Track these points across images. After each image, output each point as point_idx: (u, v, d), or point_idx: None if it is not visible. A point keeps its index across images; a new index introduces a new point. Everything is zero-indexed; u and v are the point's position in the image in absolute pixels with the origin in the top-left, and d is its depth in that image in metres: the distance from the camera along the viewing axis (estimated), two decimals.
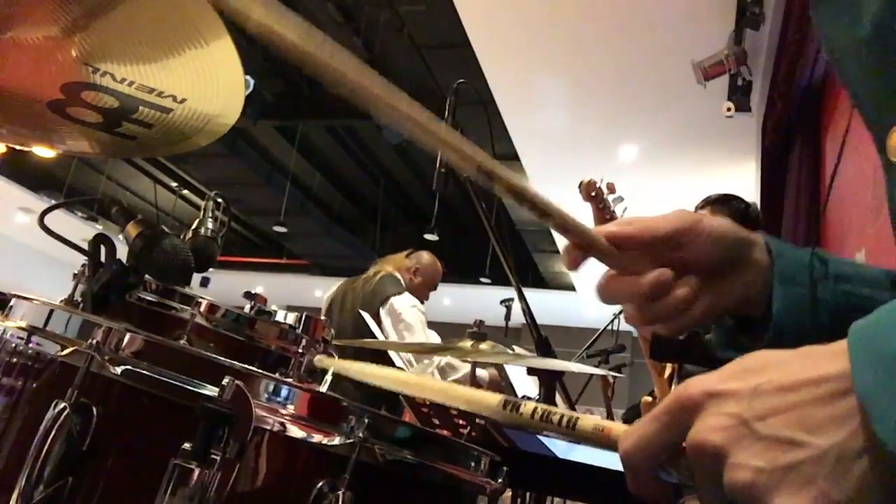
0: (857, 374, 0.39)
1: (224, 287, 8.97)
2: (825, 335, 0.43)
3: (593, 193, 2.48)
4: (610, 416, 3.92)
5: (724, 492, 0.42)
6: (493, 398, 0.56)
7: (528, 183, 0.61)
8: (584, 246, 0.64)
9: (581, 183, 2.49)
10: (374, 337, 3.29)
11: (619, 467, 0.49)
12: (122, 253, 1.12)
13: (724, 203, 2.64)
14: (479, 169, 0.58)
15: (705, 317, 0.67)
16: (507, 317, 4.63)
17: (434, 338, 3.40)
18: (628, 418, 4.71)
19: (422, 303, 3.69)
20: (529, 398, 2.53)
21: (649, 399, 3.01)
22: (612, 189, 2.53)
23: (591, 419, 0.55)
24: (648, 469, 0.48)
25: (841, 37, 0.59)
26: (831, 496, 0.38)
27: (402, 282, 3.59)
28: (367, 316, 3.38)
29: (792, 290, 0.66)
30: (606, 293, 0.65)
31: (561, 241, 0.65)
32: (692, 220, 0.65)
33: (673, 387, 2.68)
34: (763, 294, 0.67)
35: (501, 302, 4.79)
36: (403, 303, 3.43)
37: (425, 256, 3.77)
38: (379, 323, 3.36)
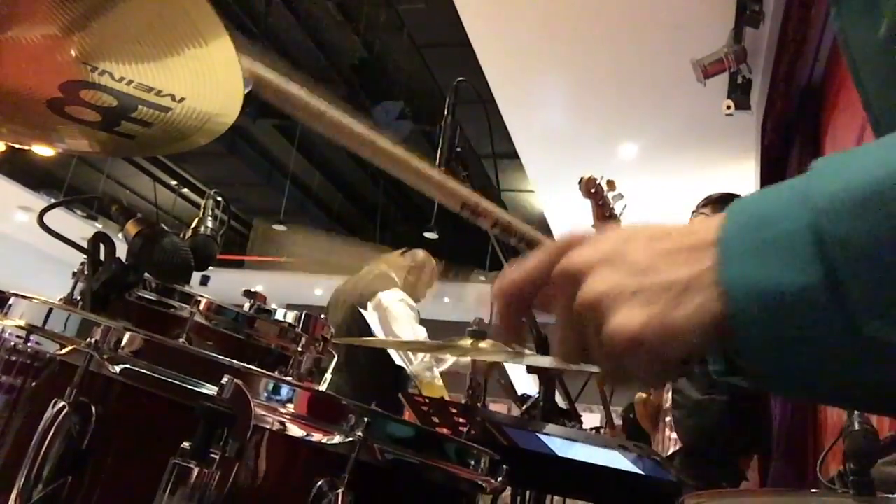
0: (726, 229, 0.42)
1: (224, 286, 8.97)
2: None
3: (593, 190, 2.49)
4: (609, 416, 3.92)
5: (576, 318, 0.45)
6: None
7: (513, 218, 0.61)
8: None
9: (581, 179, 2.50)
10: (367, 335, 3.30)
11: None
12: (122, 251, 1.12)
13: (726, 202, 2.63)
14: (463, 205, 0.59)
15: None
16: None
17: (422, 334, 3.40)
18: (626, 417, 4.71)
19: (418, 301, 3.69)
20: (529, 395, 2.53)
21: (644, 396, 3.01)
22: (612, 186, 2.54)
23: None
24: (520, 302, 0.50)
25: (858, 36, 0.59)
26: (665, 319, 0.41)
27: (397, 280, 3.59)
28: (367, 314, 3.38)
29: None
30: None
31: None
32: (566, 240, 0.65)
33: (668, 386, 2.69)
34: None
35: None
36: (391, 297, 3.43)
37: (420, 254, 3.77)
38: (367, 319, 3.37)
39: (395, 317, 3.37)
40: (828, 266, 0.37)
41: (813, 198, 0.39)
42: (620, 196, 2.56)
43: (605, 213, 2.52)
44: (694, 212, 2.69)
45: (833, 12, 0.61)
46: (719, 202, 2.64)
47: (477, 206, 0.58)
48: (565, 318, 0.46)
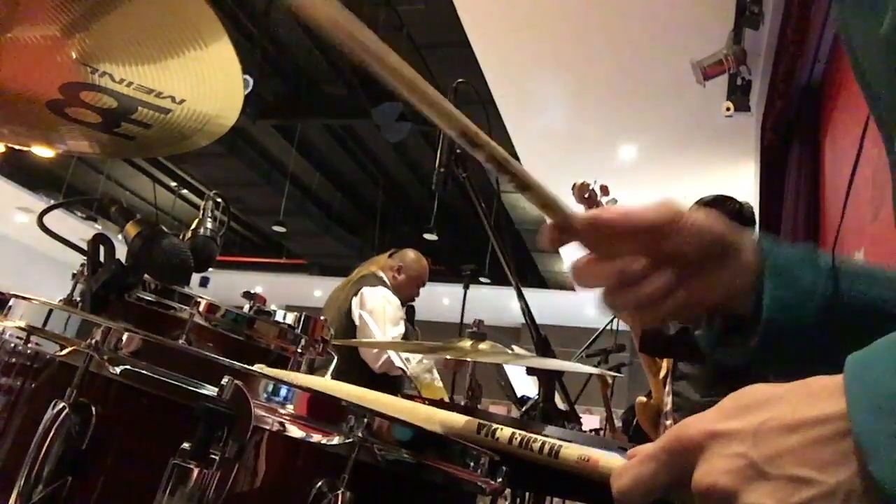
0: (854, 416, 0.39)
1: (223, 287, 8.97)
2: (836, 331, 0.43)
3: (586, 195, 2.48)
4: (609, 416, 3.92)
5: None
6: (469, 423, 0.55)
7: (508, 156, 0.61)
8: (564, 227, 0.64)
9: (574, 185, 2.49)
10: (355, 336, 3.30)
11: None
12: (122, 253, 1.12)
13: (718, 205, 2.64)
14: (462, 134, 0.58)
15: (681, 310, 0.67)
16: (466, 286, 4.57)
17: (400, 331, 3.41)
18: (627, 419, 4.71)
19: (412, 300, 3.70)
20: (528, 397, 2.53)
21: (644, 399, 3.01)
22: (605, 191, 2.53)
23: (575, 449, 0.54)
24: None
25: (862, 32, 0.58)
26: None
27: (386, 280, 3.60)
28: (365, 314, 3.39)
29: (785, 286, 0.65)
30: (580, 275, 0.65)
31: None
32: (673, 213, 0.64)
33: (666, 387, 2.68)
34: (749, 292, 0.67)
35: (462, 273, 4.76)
36: (374, 293, 3.44)
37: (409, 254, 3.78)
38: (352, 316, 3.38)
39: (372, 310, 3.39)
40: None
41: None
42: (614, 201, 2.55)
43: None
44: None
45: (835, 9, 0.61)
46: (711, 205, 2.64)
47: (476, 137, 0.58)
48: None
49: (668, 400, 2.70)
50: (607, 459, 0.50)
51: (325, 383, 0.70)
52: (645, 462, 0.47)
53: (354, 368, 3.24)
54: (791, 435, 0.41)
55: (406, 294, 3.64)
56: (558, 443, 0.52)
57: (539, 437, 0.53)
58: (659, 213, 0.64)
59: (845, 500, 0.39)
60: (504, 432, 0.54)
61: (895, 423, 0.38)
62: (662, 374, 2.72)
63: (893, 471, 0.37)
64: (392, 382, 3.44)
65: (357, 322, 3.38)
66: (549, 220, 0.65)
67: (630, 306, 0.66)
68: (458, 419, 0.56)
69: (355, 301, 3.42)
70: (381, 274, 3.62)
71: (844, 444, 0.39)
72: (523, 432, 0.54)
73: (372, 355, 3.31)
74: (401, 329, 3.43)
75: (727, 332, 0.72)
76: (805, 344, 0.64)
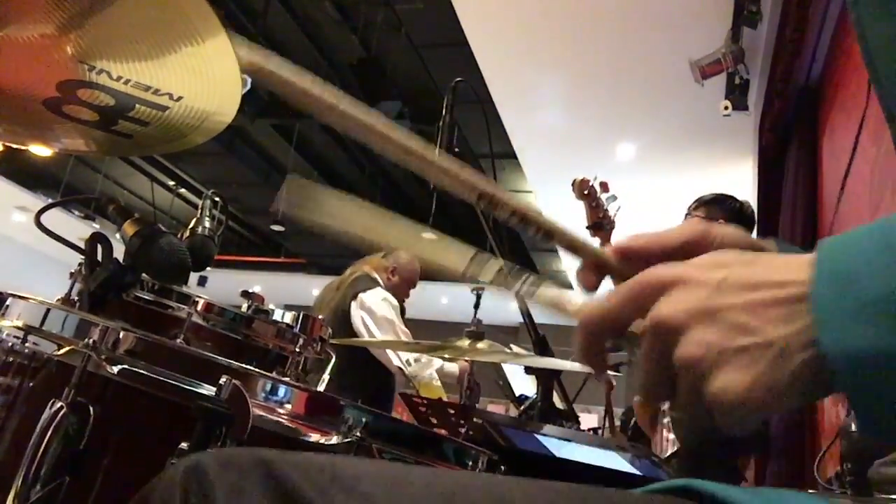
0: (816, 285, 0.43)
1: (221, 286, 8.96)
2: None
3: (586, 192, 2.49)
4: (610, 417, 3.92)
5: (667, 368, 0.46)
6: (462, 257, 0.57)
7: (529, 208, 0.61)
8: (595, 265, 0.64)
9: (574, 181, 2.50)
10: (351, 335, 3.30)
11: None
12: (119, 252, 1.11)
13: (719, 203, 2.64)
14: (480, 196, 0.58)
15: None
16: (476, 305, 4.60)
17: (405, 336, 3.42)
18: (625, 419, 4.71)
19: (402, 301, 3.71)
20: (527, 396, 2.53)
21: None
22: (605, 188, 2.54)
23: (552, 290, 0.56)
24: (602, 338, 0.52)
25: (878, 31, 0.59)
26: (769, 379, 0.43)
27: (380, 281, 3.60)
28: (353, 315, 3.39)
29: None
30: None
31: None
32: (702, 230, 0.64)
33: None
34: None
35: (472, 290, 4.77)
36: (373, 296, 3.44)
37: (402, 255, 3.76)
38: (352, 320, 3.39)
39: (379, 317, 3.39)
40: None
41: None
42: (614, 198, 2.56)
43: (598, 215, 2.53)
44: (687, 214, 2.69)
45: (850, 6, 0.61)
46: (712, 204, 2.64)
47: (493, 197, 0.58)
48: (654, 365, 0.47)
49: None
50: (579, 298, 0.53)
51: None
52: (611, 295, 0.51)
53: (350, 368, 3.24)
54: (751, 291, 0.45)
55: (399, 295, 3.65)
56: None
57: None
58: (688, 233, 0.64)
59: (780, 353, 0.42)
60: (493, 264, 0.56)
61: (850, 297, 0.41)
62: None
63: (839, 341, 0.40)
64: (387, 382, 3.45)
65: (361, 328, 3.37)
66: (579, 264, 0.65)
67: None
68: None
69: (355, 306, 3.42)
70: (375, 275, 3.62)
71: (796, 307, 0.43)
72: (511, 265, 0.56)
73: (387, 356, 3.33)
74: (406, 331, 3.44)
75: None
76: None
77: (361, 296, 3.43)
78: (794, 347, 0.42)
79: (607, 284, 0.66)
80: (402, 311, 3.73)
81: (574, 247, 0.63)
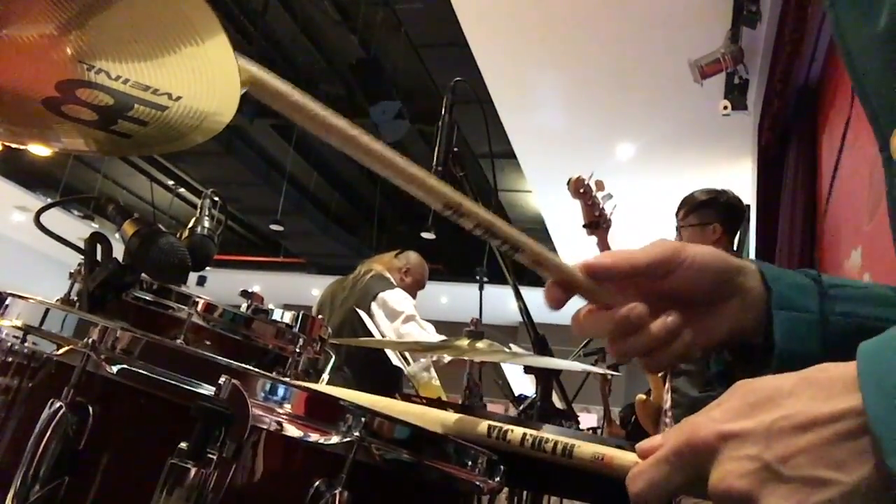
0: (870, 410, 0.39)
1: (221, 286, 8.97)
2: (836, 358, 0.43)
3: (581, 190, 2.49)
4: (607, 412, 3.92)
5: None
6: (480, 425, 0.55)
7: (497, 219, 0.61)
8: (563, 283, 0.63)
9: (569, 180, 2.50)
10: (367, 335, 3.31)
11: None
12: (119, 252, 1.12)
13: (709, 206, 2.63)
14: (446, 205, 0.58)
15: (689, 351, 0.65)
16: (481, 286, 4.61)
17: (431, 329, 3.43)
18: (625, 416, 4.71)
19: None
20: (526, 395, 2.53)
21: (643, 397, 3.01)
22: (600, 186, 2.54)
23: (589, 446, 0.54)
24: None
25: (856, 32, 0.58)
26: None
27: (393, 281, 3.63)
28: (364, 315, 3.39)
29: (792, 314, 0.64)
30: (579, 327, 0.64)
31: (558, 241, 0.64)
32: (673, 249, 0.63)
33: (666, 384, 2.69)
34: (760, 322, 0.65)
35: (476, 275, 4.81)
36: (396, 295, 3.46)
37: (413, 256, 3.83)
38: (371, 318, 3.39)
39: (406, 315, 3.41)
40: None
41: None
42: (610, 196, 2.56)
43: (594, 213, 2.53)
44: (677, 214, 2.69)
45: (828, 9, 0.61)
46: (702, 207, 2.64)
47: (460, 206, 0.57)
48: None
49: (668, 397, 2.70)
50: (621, 456, 0.51)
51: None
52: (658, 465, 0.47)
53: (354, 365, 3.25)
54: (805, 434, 0.41)
55: (410, 295, 3.68)
56: (571, 441, 0.52)
57: (551, 437, 0.53)
58: (657, 253, 0.63)
59: (864, 498, 0.39)
60: (515, 434, 0.54)
61: None
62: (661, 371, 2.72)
63: None
64: (392, 380, 3.45)
65: (385, 328, 3.38)
66: (547, 279, 0.64)
67: (638, 352, 0.64)
68: (468, 421, 0.56)
69: (376, 305, 3.43)
70: (388, 275, 3.65)
71: (861, 441, 0.39)
72: (534, 432, 0.53)
73: (403, 358, 3.35)
74: (431, 326, 3.47)
75: (737, 362, 0.71)
76: None
77: (382, 295, 3.45)
78: (878, 486, 0.39)
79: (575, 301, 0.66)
80: None
81: (540, 262, 0.62)
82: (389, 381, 3.42)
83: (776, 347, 0.63)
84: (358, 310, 3.36)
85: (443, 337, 3.37)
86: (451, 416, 0.58)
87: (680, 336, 0.64)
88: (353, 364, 3.26)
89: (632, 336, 0.63)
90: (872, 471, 0.39)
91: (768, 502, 0.41)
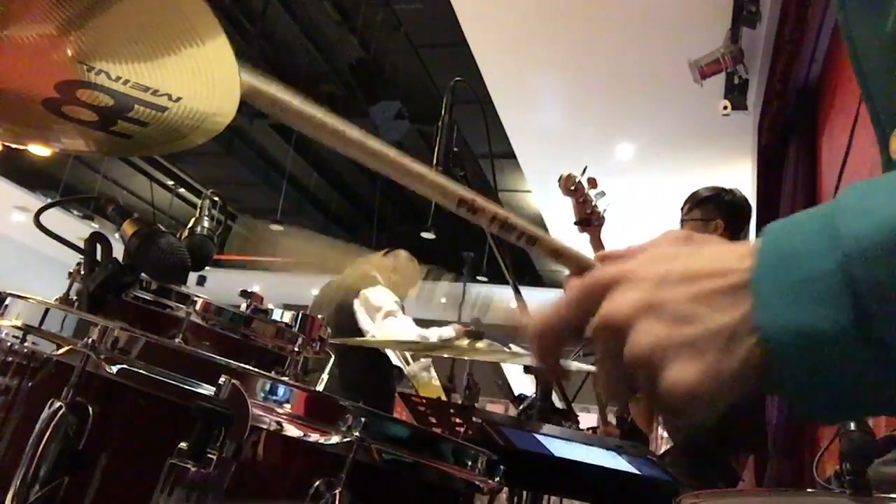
0: (756, 268, 0.42)
1: (221, 286, 8.95)
2: None
3: (573, 188, 2.49)
4: (604, 416, 3.92)
5: (622, 366, 0.46)
6: (453, 193, 0.57)
7: (511, 214, 0.61)
8: (581, 273, 0.63)
9: (560, 177, 2.50)
10: (355, 334, 3.32)
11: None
12: (119, 251, 1.12)
13: (713, 201, 2.64)
14: (460, 202, 0.58)
15: None
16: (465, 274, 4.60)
17: (410, 324, 3.44)
18: (621, 415, 4.70)
19: (402, 299, 3.74)
20: (526, 395, 2.53)
21: (638, 395, 3.01)
22: (593, 184, 2.53)
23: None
24: (557, 343, 0.52)
25: (865, 32, 0.59)
26: (719, 368, 0.42)
27: (380, 279, 3.64)
28: (356, 312, 3.40)
29: None
30: None
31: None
32: (684, 238, 0.64)
33: None
34: None
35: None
36: (376, 292, 3.48)
37: (403, 255, 3.86)
38: (356, 318, 3.40)
39: (385, 311, 3.41)
40: (860, 308, 0.38)
41: (842, 238, 0.39)
42: (602, 194, 2.55)
43: (586, 211, 2.52)
44: (682, 208, 2.69)
45: (837, 9, 0.61)
46: (706, 202, 2.64)
47: (473, 203, 0.58)
48: (611, 365, 0.47)
49: None
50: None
51: None
52: (562, 300, 0.51)
53: (347, 365, 3.24)
54: (693, 282, 0.45)
55: (399, 294, 3.69)
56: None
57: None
58: (669, 241, 0.64)
59: (727, 341, 0.42)
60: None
61: (789, 276, 0.40)
62: None
63: (774, 319, 0.40)
64: (386, 379, 3.46)
65: (366, 325, 3.39)
66: (566, 270, 0.65)
67: None
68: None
69: (358, 303, 3.45)
70: (376, 273, 3.67)
71: (739, 294, 0.43)
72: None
73: (403, 357, 3.36)
74: (403, 314, 3.48)
75: None
76: None
77: (364, 292, 3.46)
78: (740, 333, 0.42)
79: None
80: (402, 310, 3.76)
81: (558, 253, 0.63)
82: (384, 380, 3.42)
83: None
84: (346, 306, 3.38)
85: (423, 331, 3.39)
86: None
87: None
88: (345, 365, 3.26)
89: None
90: (740, 317, 0.42)
91: (639, 329, 0.44)
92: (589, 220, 2.52)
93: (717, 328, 0.42)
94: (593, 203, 2.52)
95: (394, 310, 3.44)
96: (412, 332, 3.36)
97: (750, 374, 0.42)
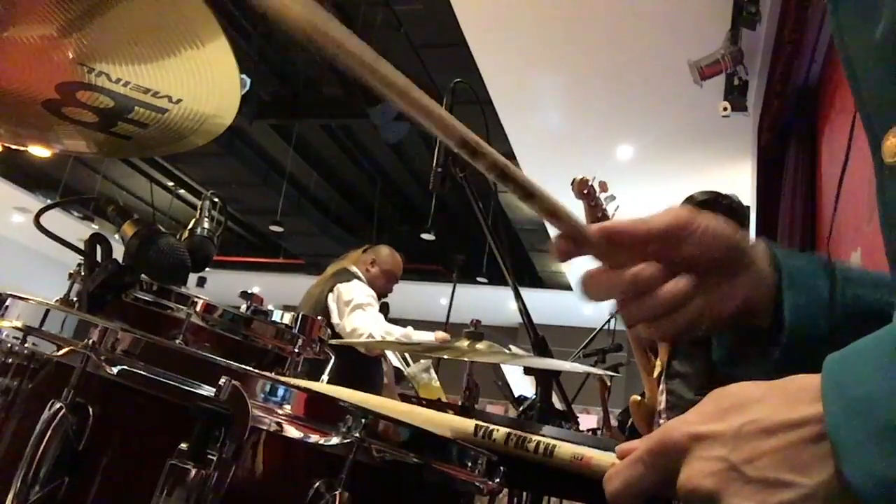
0: (829, 418, 0.40)
1: (221, 287, 8.96)
2: (844, 338, 0.44)
3: (585, 191, 2.50)
4: (606, 417, 3.92)
5: None
6: (466, 424, 0.56)
7: (510, 164, 0.59)
8: (574, 238, 0.62)
9: (574, 180, 2.52)
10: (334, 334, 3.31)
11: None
12: (119, 252, 1.12)
13: (711, 205, 2.65)
14: (462, 143, 0.55)
15: (698, 321, 0.64)
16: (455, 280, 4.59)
17: (380, 318, 3.43)
18: (624, 420, 4.71)
19: (385, 295, 3.74)
20: (526, 396, 2.53)
21: (637, 398, 3.01)
22: (604, 188, 2.55)
23: (569, 448, 0.55)
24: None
25: (856, 36, 0.59)
26: None
27: (359, 274, 3.66)
28: (343, 306, 3.41)
29: (803, 295, 0.64)
30: (591, 287, 0.63)
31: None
32: (687, 216, 0.63)
33: (660, 385, 2.69)
34: (769, 302, 0.65)
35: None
36: (349, 286, 3.48)
37: (383, 249, 3.86)
38: (329, 311, 3.41)
39: (355, 305, 3.41)
40: None
41: None
42: (613, 197, 2.57)
43: (597, 215, 2.54)
44: None
45: (829, 9, 0.61)
46: (704, 205, 2.65)
47: (477, 146, 0.56)
48: None
49: (662, 399, 2.71)
50: (599, 457, 0.52)
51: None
52: (633, 465, 0.49)
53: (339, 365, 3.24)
54: (770, 438, 0.42)
55: (379, 287, 3.70)
56: (552, 442, 0.53)
57: (534, 437, 0.54)
58: (672, 218, 0.62)
59: (823, 502, 0.40)
60: (500, 433, 0.55)
61: (867, 425, 0.39)
62: (657, 372, 2.72)
63: (864, 472, 0.38)
64: (369, 376, 3.46)
65: (336, 319, 3.40)
66: (555, 230, 0.63)
67: (646, 316, 0.63)
68: (456, 421, 0.56)
69: (331, 297, 3.47)
70: (354, 269, 3.70)
71: (822, 447, 0.41)
72: (519, 432, 0.54)
73: (403, 358, 3.35)
74: (376, 309, 3.47)
75: (740, 346, 0.70)
76: (822, 354, 0.65)
77: (338, 287, 3.48)
78: (836, 490, 0.40)
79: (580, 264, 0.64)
80: (387, 307, 3.76)
81: (553, 212, 0.60)
82: (364, 378, 3.42)
83: (786, 327, 0.64)
84: (320, 306, 3.38)
85: (391, 328, 3.37)
86: (442, 417, 0.58)
87: (690, 302, 0.63)
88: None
89: (643, 297, 0.62)
90: (832, 476, 0.40)
91: (731, 502, 0.42)
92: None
93: (812, 489, 0.40)
94: (604, 207, 2.54)
95: (363, 303, 3.43)
96: (378, 328, 3.34)
97: None
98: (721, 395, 0.47)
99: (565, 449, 0.54)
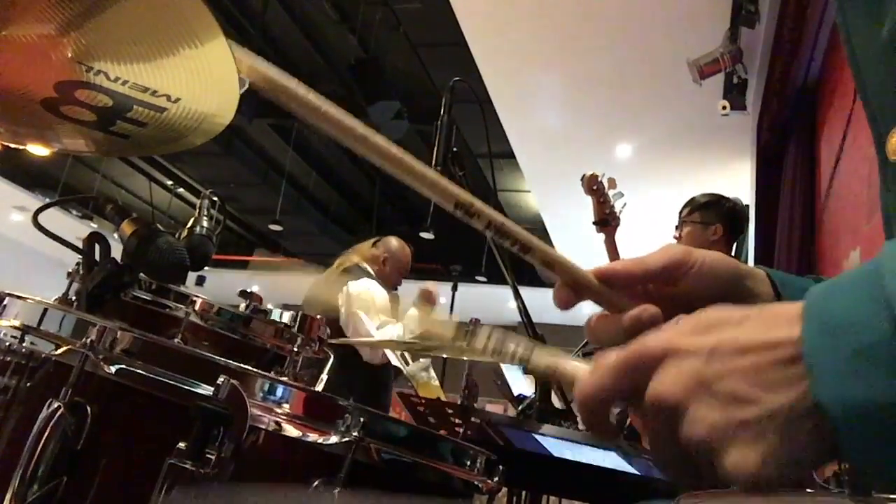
0: (807, 340, 0.41)
1: (220, 286, 8.96)
2: None
3: (594, 187, 2.53)
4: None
5: (677, 441, 0.45)
6: (447, 326, 0.57)
7: (507, 220, 0.61)
8: (573, 284, 0.63)
9: (584, 176, 2.54)
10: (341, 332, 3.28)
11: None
12: (117, 251, 1.12)
13: (712, 206, 2.66)
14: (456, 205, 0.58)
15: None
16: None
17: (389, 325, 3.39)
18: (622, 419, 4.70)
19: (395, 289, 3.67)
20: (525, 395, 2.53)
21: None
22: (612, 184, 2.58)
23: (545, 357, 0.57)
24: (602, 411, 0.50)
25: (863, 34, 0.59)
26: (780, 451, 0.41)
27: (371, 271, 3.55)
28: (354, 310, 3.38)
29: None
30: (592, 334, 0.64)
31: (557, 241, 0.64)
32: (682, 253, 0.63)
33: None
34: None
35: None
36: (357, 286, 3.41)
37: (393, 242, 3.72)
38: (339, 312, 3.38)
39: (358, 307, 3.36)
40: None
41: (893, 303, 0.39)
42: (621, 194, 2.59)
43: (605, 211, 2.56)
44: (681, 212, 2.70)
45: (837, 12, 0.61)
46: (706, 208, 2.66)
47: (471, 206, 0.58)
48: (665, 443, 0.46)
49: None
50: (574, 367, 0.53)
51: None
52: (607, 371, 0.49)
53: (345, 364, 3.23)
54: (744, 356, 0.43)
55: (391, 283, 3.62)
56: (529, 351, 0.55)
57: (512, 345, 0.55)
58: (668, 257, 0.63)
59: (786, 421, 0.41)
60: (482, 332, 0.56)
61: (844, 347, 0.39)
62: None
63: (836, 393, 0.39)
64: (384, 379, 3.44)
65: (345, 319, 3.36)
66: (557, 280, 0.64)
67: None
68: (438, 325, 0.58)
69: (341, 298, 3.40)
70: (365, 265, 3.58)
71: (794, 369, 0.41)
72: (500, 334, 0.56)
73: (368, 351, 3.31)
74: (389, 323, 3.43)
75: None
76: None
77: (347, 288, 3.38)
78: (799, 413, 0.41)
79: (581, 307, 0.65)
80: (397, 300, 3.69)
81: (551, 263, 0.62)
82: (368, 379, 3.40)
83: None
84: (359, 313, 3.34)
85: (391, 325, 3.35)
86: (427, 320, 0.59)
87: None
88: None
89: None
90: (798, 396, 0.41)
91: (695, 410, 0.43)
92: (607, 220, 2.56)
93: (776, 409, 0.41)
94: (611, 203, 2.56)
95: (380, 307, 3.38)
96: (374, 330, 3.31)
97: (812, 453, 0.41)
98: (702, 315, 0.48)
99: (541, 358, 0.55)
